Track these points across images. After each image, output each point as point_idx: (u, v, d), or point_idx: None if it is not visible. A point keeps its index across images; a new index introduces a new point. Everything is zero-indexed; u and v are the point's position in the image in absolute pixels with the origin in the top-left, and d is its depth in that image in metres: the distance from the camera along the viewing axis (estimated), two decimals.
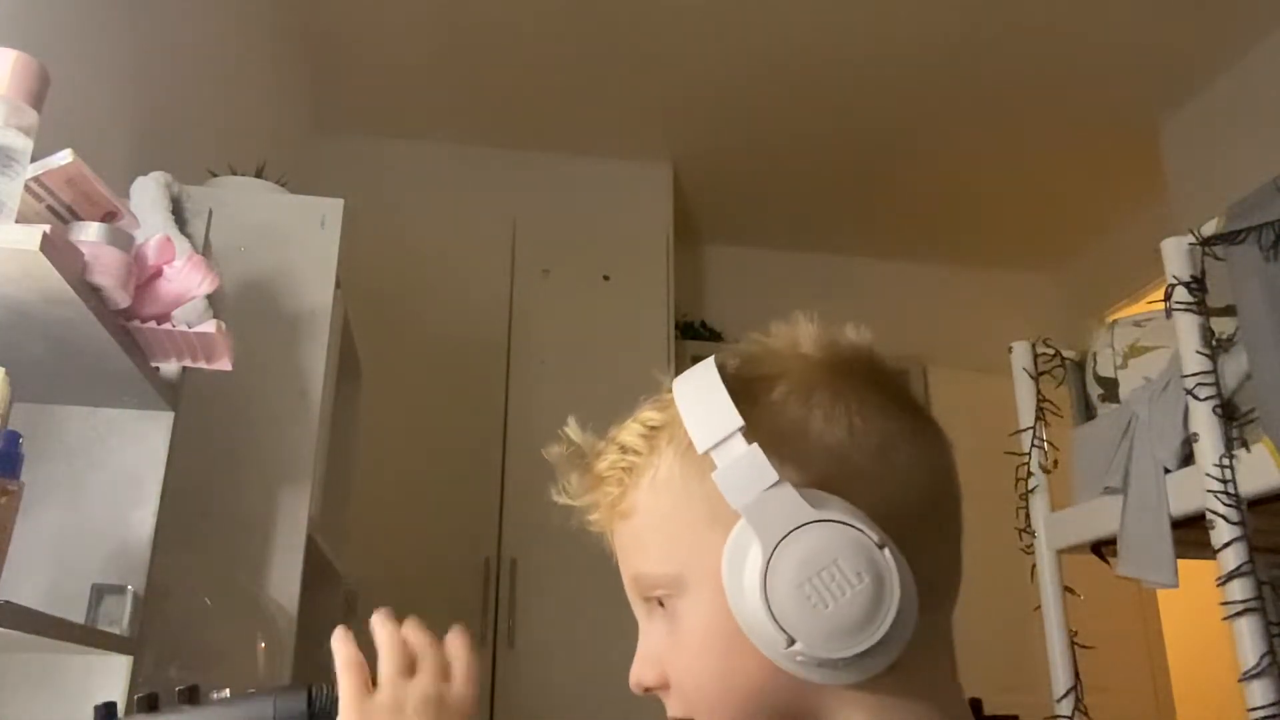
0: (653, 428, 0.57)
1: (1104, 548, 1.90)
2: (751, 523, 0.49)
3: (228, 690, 0.54)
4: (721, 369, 0.54)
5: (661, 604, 0.55)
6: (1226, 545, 1.47)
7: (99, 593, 1.17)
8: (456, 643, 0.63)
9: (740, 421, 0.50)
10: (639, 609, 0.58)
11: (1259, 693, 1.42)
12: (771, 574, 0.48)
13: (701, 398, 0.53)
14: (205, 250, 1.37)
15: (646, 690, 0.57)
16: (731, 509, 0.50)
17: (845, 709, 0.52)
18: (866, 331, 0.59)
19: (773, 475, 0.49)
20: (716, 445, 0.50)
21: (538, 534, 2.82)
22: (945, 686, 0.55)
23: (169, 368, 1.27)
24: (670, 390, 0.56)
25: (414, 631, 0.63)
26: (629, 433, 0.58)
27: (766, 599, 0.48)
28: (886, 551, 0.49)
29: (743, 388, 0.53)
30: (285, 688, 0.52)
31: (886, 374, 0.58)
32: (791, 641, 0.48)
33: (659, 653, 0.56)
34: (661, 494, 0.55)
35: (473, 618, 2.75)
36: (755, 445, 0.50)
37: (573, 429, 0.60)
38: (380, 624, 0.63)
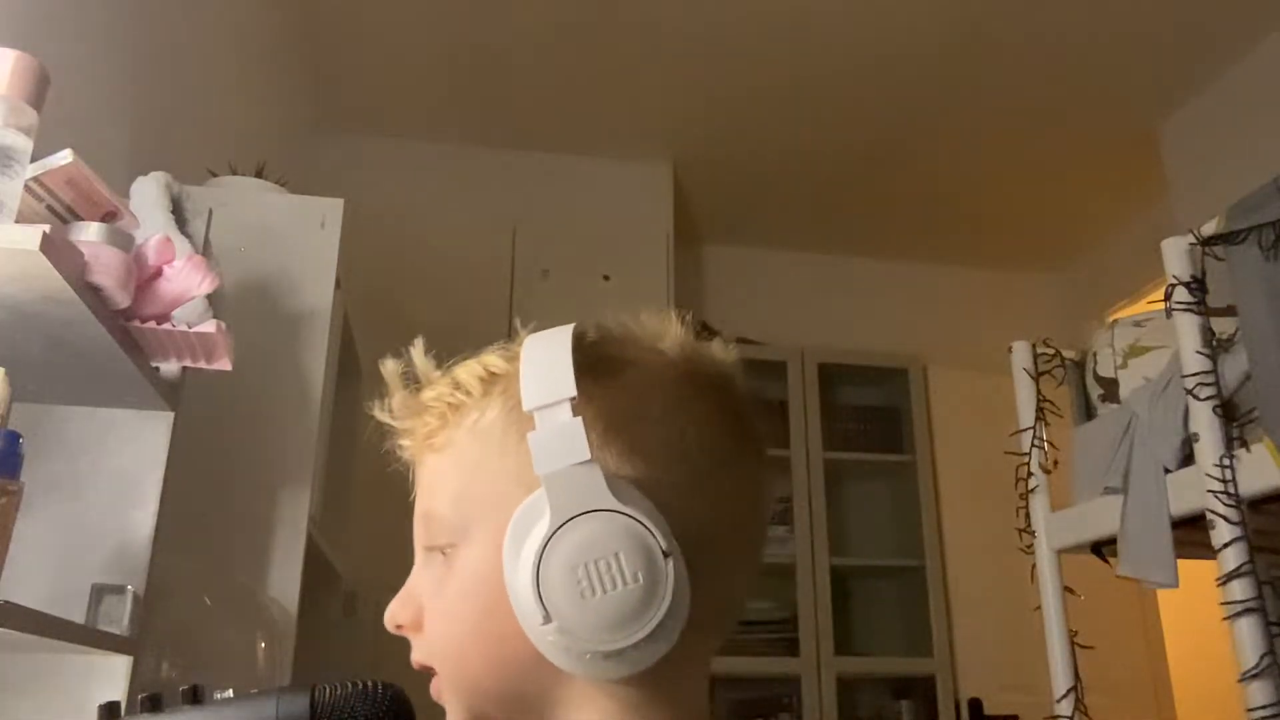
0: (492, 373, 0.56)
1: (1104, 548, 1.90)
2: (549, 493, 0.48)
3: (230, 690, 0.54)
4: (579, 338, 0.53)
5: (444, 552, 0.55)
6: (1226, 545, 1.47)
7: (99, 593, 1.17)
8: None
9: (573, 392, 0.49)
10: (419, 545, 0.57)
11: (1259, 693, 1.42)
12: (550, 549, 0.48)
13: (545, 358, 0.51)
14: (205, 250, 1.37)
15: (399, 628, 0.56)
16: (536, 476, 0.49)
17: (583, 704, 0.52)
18: (734, 351, 0.59)
19: (585, 453, 0.48)
20: (542, 407, 0.49)
21: None
22: (690, 706, 0.54)
23: (169, 368, 1.27)
24: (521, 343, 0.55)
25: None
26: (467, 371, 0.57)
27: (537, 572, 0.47)
28: (670, 562, 0.48)
29: (591, 363, 0.52)
30: (288, 688, 0.52)
31: (737, 399, 0.57)
32: (548, 619, 0.47)
33: (421, 594, 0.56)
34: (478, 441, 0.54)
35: None
36: (579, 419, 0.48)
37: (417, 350, 0.59)
38: None
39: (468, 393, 0.56)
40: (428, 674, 0.56)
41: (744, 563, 0.55)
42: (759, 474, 0.57)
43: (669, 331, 0.57)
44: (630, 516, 0.48)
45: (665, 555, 0.48)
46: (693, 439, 0.54)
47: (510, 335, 0.59)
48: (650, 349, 0.56)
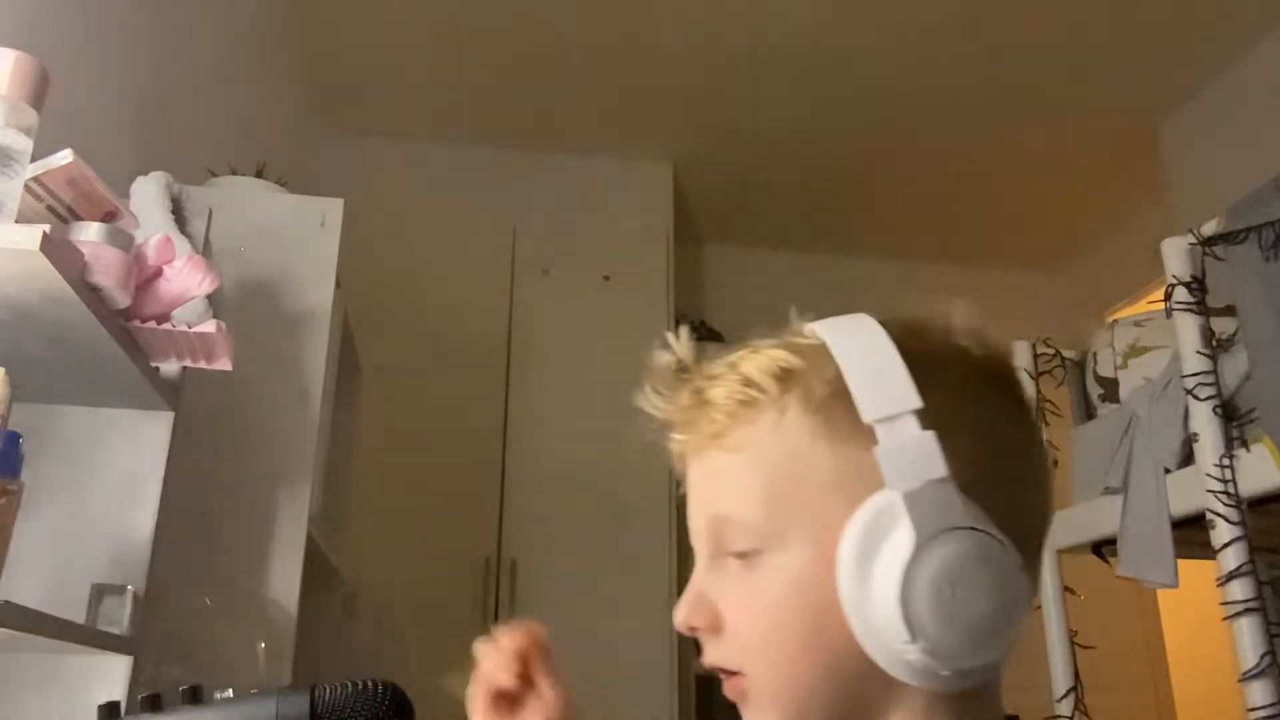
0: (785, 369, 0.53)
1: (1104, 548, 1.90)
2: (910, 509, 0.47)
3: (231, 690, 0.54)
4: (883, 329, 0.51)
5: (740, 556, 0.53)
6: (1226, 545, 1.47)
7: (99, 593, 1.17)
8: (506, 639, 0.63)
9: (919, 402, 0.48)
10: (704, 547, 0.55)
11: (1259, 693, 1.42)
12: (914, 567, 0.46)
13: (871, 361, 0.50)
14: (205, 250, 1.38)
15: (692, 630, 0.55)
16: (864, 483, 0.48)
17: (917, 710, 0.51)
18: (1001, 342, 0.57)
19: (942, 468, 0.47)
20: (886, 419, 0.48)
21: (538, 534, 2.82)
22: (999, 707, 0.54)
23: (169, 368, 1.27)
24: (803, 334, 0.54)
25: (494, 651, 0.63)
26: (755, 366, 0.54)
27: (903, 591, 0.46)
28: (1024, 575, 0.48)
29: (909, 363, 0.50)
30: (288, 688, 0.52)
31: (1023, 389, 0.57)
32: (913, 639, 0.46)
33: (720, 596, 0.54)
34: (781, 442, 0.52)
35: (473, 618, 2.75)
36: (932, 434, 0.48)
37: (682, 340, 0.57)
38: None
39: (761, 389, 0.53)
40: (721, 674, 0.54)
41: (1042, 551, 0.55)
42: (1045, 454, 0.57)
43: (957, 323, 0.55)
44: (989, 534, 0.47)
45: (1021, 569, 0.48)
46: (1004, 438, 0.53)
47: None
48: (950, 345, 0.55)
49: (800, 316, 0.56)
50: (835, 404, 0.51)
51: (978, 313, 0.56)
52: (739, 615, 0.53)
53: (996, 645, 0.47)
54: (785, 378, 0.53)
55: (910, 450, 0.48)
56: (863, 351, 0.51)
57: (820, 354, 0.52)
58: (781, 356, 0.53)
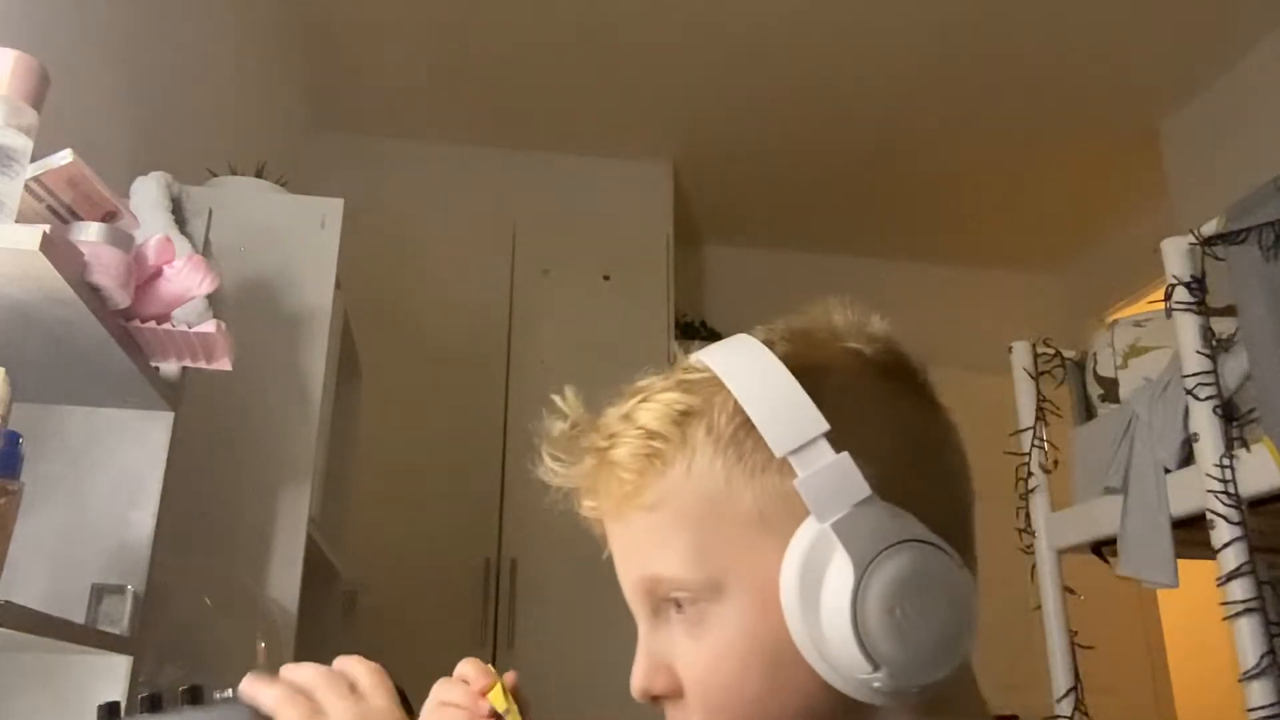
0: (682, 413, 0.51)
1: (1104, 548, 1.90)
2: (841, 539, 0.45)
3: (231, 690, 0.54)
4: (769, 349, 0.50)
5: (680, 606, 0.51)
6: (1226, 545, 1.47)
7: (99, 593, 1.17)
8: (348, 663, 0.56)
9: (826, 425, 0.46)
10: (643, 608, 0.53)
11: (1259, 693, 1.42)
12: (862, 597, 0.45)
13: (768, 390, 0.48)
14: (205, 250, 1.37)
15: (654, 699, 0.52)
16: (788, 512, 0.47)
17: None
18: (883, 321, 0.55)
19: (865, 489, 0.46)
20: (798, 450, 0.46)
21: (538, 534, 2.82)
22: (978, 699, 0.53)
23: (169, 368, 1.26)
24: (692, 367, 0.52)
25: (296, 671, 0.55)
26: (651, 415, 0.52)
27: (855, 625, 0.45)
28: (966, 572, 0.46)
29: (805, 381, 0.48)
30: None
31: (919, 370, 0.55)
32: (876, 668, 0.45)
33: (673, 659, 0.51)
34: (697, 489, 0.50)
35: (473, 618, 2.75)
36: (846, 455, 0.46)
37: (571, 401, 0.55)
38: (257, 689, 0.54)
39: (664, 439, 0.51)
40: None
41: (973, 533, 0.53)
42: (955, 432, 0.55)
43: (839, 322, 0.54)
44: (924, 541, 0.46)
45: (961, 567, 0.47)
46: (914, 433, 0.52)
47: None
48: (840, 349, 0.53)
49: (685, 352, 0.54)
50: (743, 436, 0.49)
51: (856, 313, 0.54)
52: (697, 675, 0.51)
53: (959, 649, 0.46)
54: (684, 421, 0.51)
55: (829, 477, 0.46)
56: (757, 380, 0.49)
57: (715, 387, 0.50)
58: (676, 399, 0.51)
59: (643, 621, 0.53)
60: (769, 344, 0.50)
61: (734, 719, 0.50)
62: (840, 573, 0.46)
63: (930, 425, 0.53)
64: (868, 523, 0.46)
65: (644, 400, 0.53)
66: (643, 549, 0.52)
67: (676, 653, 0.51)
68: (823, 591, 0.46)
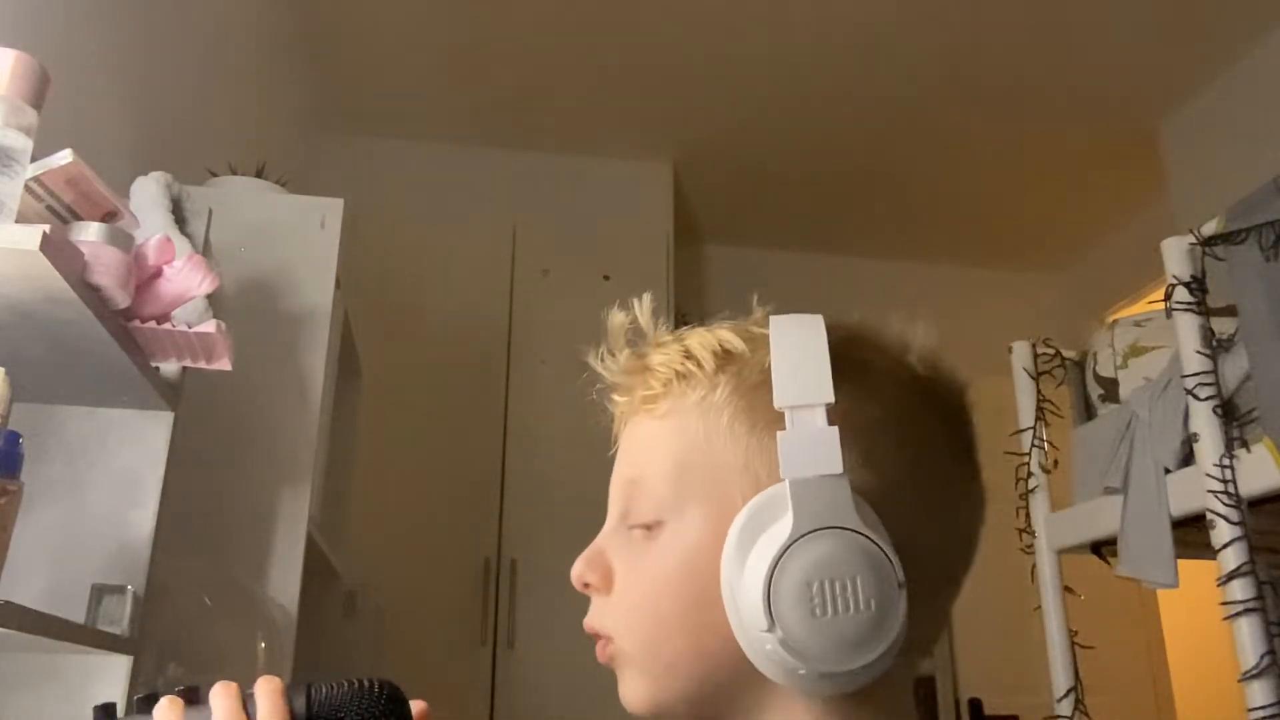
0: (727, 350, 0.54)
1: (1104, 548, 1.90)
2: (794, 499, 0.47)
3: None
4: (828, 333, 0.51)
5: (647, 526, 0.53)
6: (1226, 545, 1.47)
7: (99, 593, 1.17)
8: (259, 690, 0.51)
9: (831, 398, 0.48)
10: (615, 508, 0.56)
11: (1259, 693, 1.42)
12: (788, 557, 0.46)
13: (800, 351, 0.50)
14: (205, 250, 1.38)
15: (585, 587, 0.55)
16: (769, 471, 0.48)
17: (778, 712, 0.50)
18: (962, 375, 0.57)
19: (838, 465, 0.47)
20: (796, 408, 0.48)
21: (538, 534, 2.82)
22: None
23: (169, 368, 1.27)
24: (760, 323, 0.54)
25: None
26: (700, 342, 0.54)
27: (770, 579, 0.46)
28: (903, 593, 0.46)
29: (837, 362, 0.49)
30: (286, 687, 0.52)
31: (968, 427, 0.56)
32: (771, 627, 0.45)
33: (614, 558, 0.54)
34: (704, 418, 0.53)
35: (473, 618, 2.75)
36: (835, 430, 0.47)
37: (645, 306, 0.57)
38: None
39: (699, 365, 0.54)
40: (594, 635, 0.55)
41: (957, 583, 0.54)
42: (978, 496, 0.56)
43: (914, 343, 0.55)
44: (874, 542, 0.46)
45: (900, 586, 0.46)
46: (926, 465, 0.52)
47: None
48: (896, 358, 0.55)
49: (761, 305, 0.57)
50: (762, 392, 0.51)
51: (936, 340, 0.56)
52: (628, 580, 0.54)
53: (858, 655, 0.46)
54: (725, 358, 0.54)
55: (810, 441, 0.47)
56: (796, 345, 0.50)
57: (764, 343, 0.52)
58: (726, 337, 0.54)
59: (609, 520, 0.56)
60: (831, 326, 0.52)
61: (642, 634, 0.52)
62: (780, 528, 0.47)
63: (951, 467, 0.54)
64: (825, 497, 0.47)
65: (700, 328, 0.56)
66: (638, 450, 0.56)
67: (622, 557, 0.54)
68: (759, 540, 0.47)
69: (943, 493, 0.53)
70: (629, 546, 0.54)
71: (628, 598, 0.53)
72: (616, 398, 0.58)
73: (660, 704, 0.52)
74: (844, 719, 0.50)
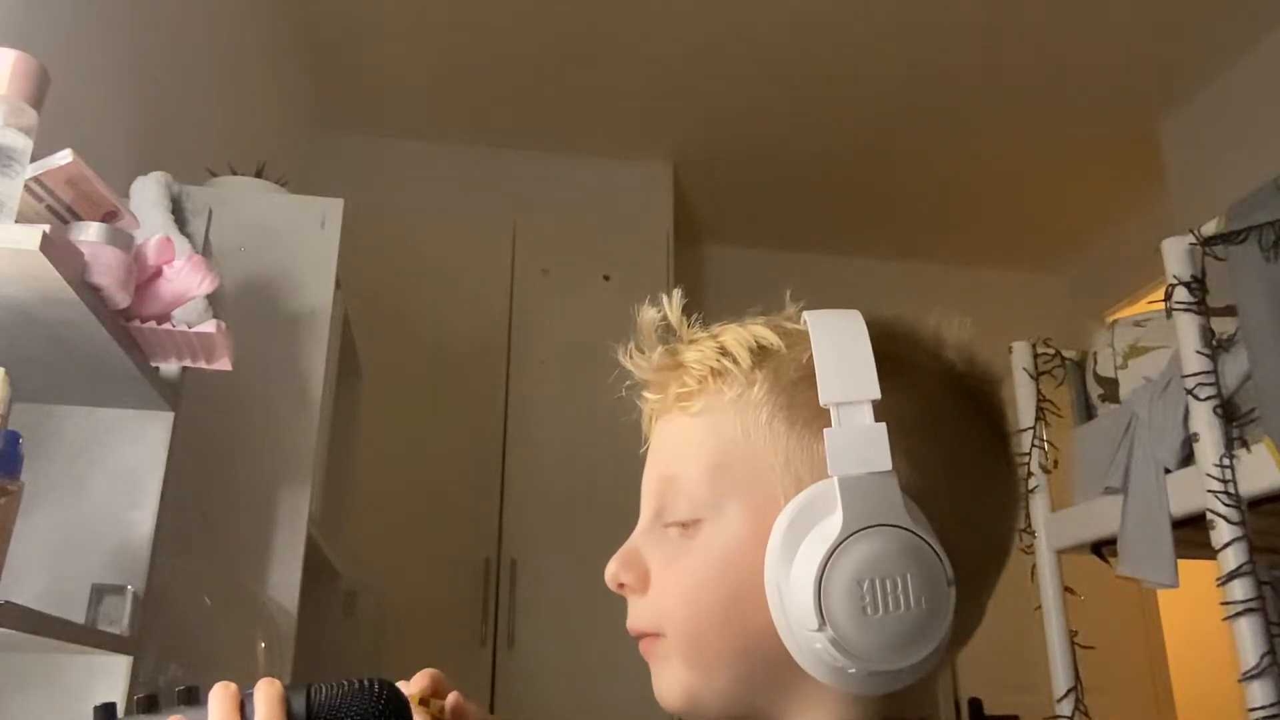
0: (763, 347, 0.53)
1: (1104, 548, 1.90)
2: (843, 496, 0.46)
3: None
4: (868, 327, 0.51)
5: (684, 525, 0.53)
6: (1227, 545, 1.47)
7: (99, 593, 1.17)
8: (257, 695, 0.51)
9: (878, 394, 0.47)
10: (648, 507, 0.55)
11: (1259, 693, 1.42)
12: (838, 555, 0.45)
13: (842, 348, 0.49)
14: (205, 250, 1.37)
15: (620, 588, 0.55)
16: (810, 468, 0.48)
17: (819, 707, 0.50)
18: (996, 370, 0.57)
19: (887, 463, 0.46)
20: (842, 405, 0.48)
21: (538, 534, 2.82)
22: (924, 715, 0.52)
23: (169, 368, 1.27)
24: (793, 318, 0.54)
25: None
26: (735, 339, 0.54)
27: (821, 576, 0.45)
28: (953, 591, 0.46)
29: (879, 360, 0.49)
30: (285, 687, 0.52)
31: (1005, 421, 0.56)
32: (821, 626, 0.45)
33: (649, 558, 0.54)
34: (741, 415, 0.52)
35: (473, 618, 2.75)
36: (883, 426, 0.47)
37: (675, 304, 0.57)
38: None
39: (735, 362, 0.53)
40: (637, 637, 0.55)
41: (995, 578, 0.54)
42: (1016, 500, 0.56)
43: (951, 336, 0.55)
44: (924, 540, 0.46)
45: (950, 583, 0.46)
46: (966, 460, 0.52)
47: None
48: (933, 354, 0.55)
49: (793, 302, 0.56)
50: (802, 388, 0.51)
51: (971, 336, 0.56)
52: (665, 577, 0.53)
53: (908, 653, 0.45)
54: (761, 354, 0.53)
55: (858, 438, 0.47)
56: (838, 340, 0.50)
57: (800, 339, 0.52)
58: (762, 333, 0.54)
59: (644, 519, 0.56)
60: (870, 324, 0.51)
61: (681, 634, 0.52)
62: (829, 526, 0.46)
63: (987, 460, 0.54)
64: (876, 494, 0.46)
65: (736, 325, 0.55)
66: (672, 449, 0.55)
67: (659, 555, 0.54)
68: (806, 538, 0.47)
69: (982, 488, 0.53)
70: (664, 545, 0.54)
71: (667, 596, 0.53)
72: (648, 395, 0.57)
73: (699, 699, 0.52)
74: (879, 713, 0.50)
